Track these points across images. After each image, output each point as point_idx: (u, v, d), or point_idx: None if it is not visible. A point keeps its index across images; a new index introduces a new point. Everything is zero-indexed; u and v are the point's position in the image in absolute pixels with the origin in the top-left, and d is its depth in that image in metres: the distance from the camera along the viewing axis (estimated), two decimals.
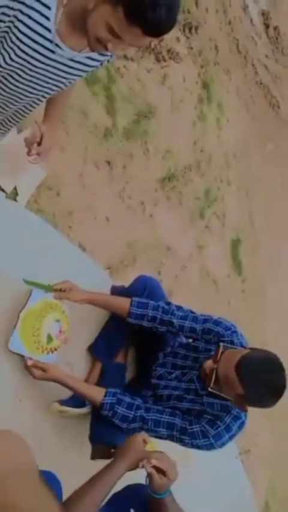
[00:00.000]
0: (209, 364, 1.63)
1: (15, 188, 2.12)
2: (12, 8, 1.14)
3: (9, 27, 1.18)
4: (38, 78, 1.30)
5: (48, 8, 1.16)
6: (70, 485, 1.25)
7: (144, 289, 1.88)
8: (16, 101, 1.39)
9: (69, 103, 2.95)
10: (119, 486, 1.39)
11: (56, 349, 1.60)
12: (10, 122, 1.53)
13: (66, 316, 1.64)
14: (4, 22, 1.17)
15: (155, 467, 1.31)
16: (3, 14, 1.15)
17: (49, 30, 1.20)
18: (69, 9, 1.18)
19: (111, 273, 3.01)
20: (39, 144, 1.49)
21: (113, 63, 3.41)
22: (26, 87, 1.33)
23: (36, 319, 1.54)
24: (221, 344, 1.63)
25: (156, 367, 1.87)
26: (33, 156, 1.50)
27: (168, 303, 1.81)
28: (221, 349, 1.60)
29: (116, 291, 1.96)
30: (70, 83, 1.40)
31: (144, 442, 1.35)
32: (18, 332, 1.50)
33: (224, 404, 1.67)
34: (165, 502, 1.36)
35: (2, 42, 1.23)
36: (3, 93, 1.35)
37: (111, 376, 1.84)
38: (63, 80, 1.36)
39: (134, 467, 1.32)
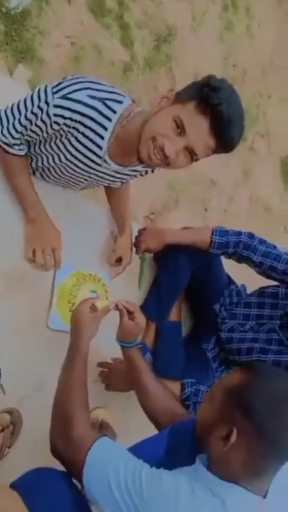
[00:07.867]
0: None
1: None
2: (74, 120, 1.25)
3: (63, 130, 1.28)
4: (86, 176, 1.45)
5: (105, 128, 1.28)
6: None
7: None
8: (76, 184, 1.54)
9: (81, 43, 2.72)
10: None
11: None
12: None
13: (103, 285, 1.56)
14: (59, 125, 1.25)
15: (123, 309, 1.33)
16: (65, 124, 1.26)
17: (100, 148, 1.32)
18: (123, 131, 1.28)
19: (155, 219, 2.89)
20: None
21: None
22: (80, 179, 1.49)
23: (70, 293, 1.47)
24: None
25: (223, 319, 1.77)
26: (115, 265, 1.70)
27: (252, 236, 1.70)
28: None
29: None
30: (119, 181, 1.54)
31: (93, 307, 1.25)
32: (55, 308, 1.45)
33: None
34: (132, 353, 1.34)
35: (54, 138, 1.33)
36: (62, 176, 1.49)
37: (168, 336, 1.76)
38: (109, 182, 1.51)
39: (94, 333, 1.25)
